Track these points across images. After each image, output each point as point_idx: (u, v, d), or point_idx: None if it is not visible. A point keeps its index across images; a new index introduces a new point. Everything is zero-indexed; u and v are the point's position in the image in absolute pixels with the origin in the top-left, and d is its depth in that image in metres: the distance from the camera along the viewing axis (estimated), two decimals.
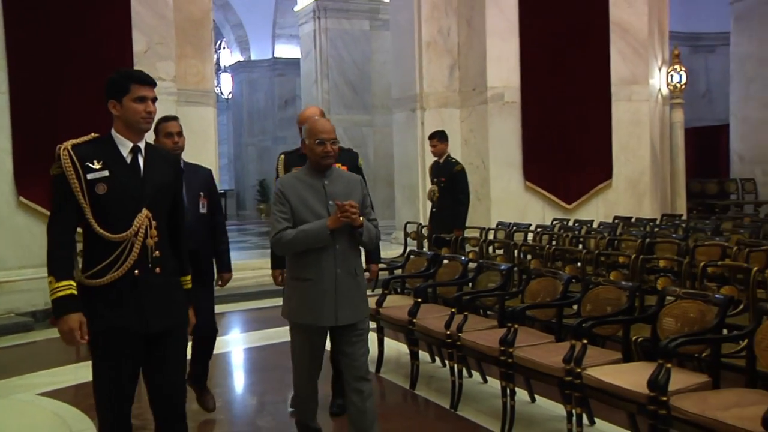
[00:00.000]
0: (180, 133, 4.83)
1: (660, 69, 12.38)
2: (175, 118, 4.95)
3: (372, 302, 6.32)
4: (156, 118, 3.46)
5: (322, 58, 15.85)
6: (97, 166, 3.13)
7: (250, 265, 10.40)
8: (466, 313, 5.34)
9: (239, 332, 8.54)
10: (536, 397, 5.11)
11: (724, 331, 4.20)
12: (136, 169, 3.24)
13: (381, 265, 7.62)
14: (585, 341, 4.16)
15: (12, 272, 8.37)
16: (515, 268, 6.04)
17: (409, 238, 10.35)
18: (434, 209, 8.99)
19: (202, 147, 9.48)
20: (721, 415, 3.34)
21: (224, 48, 22.63)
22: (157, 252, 3.22)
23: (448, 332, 5.18)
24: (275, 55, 20.37)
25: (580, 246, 7.73)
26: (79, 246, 3.24)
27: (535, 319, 5.38)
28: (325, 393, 4.94)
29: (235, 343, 7.74)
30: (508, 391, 4.55)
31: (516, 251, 7.89)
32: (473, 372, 5.80)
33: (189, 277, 3.49)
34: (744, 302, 5.28)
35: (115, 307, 3.14)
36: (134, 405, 3.31)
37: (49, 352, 7.09)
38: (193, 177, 4.85)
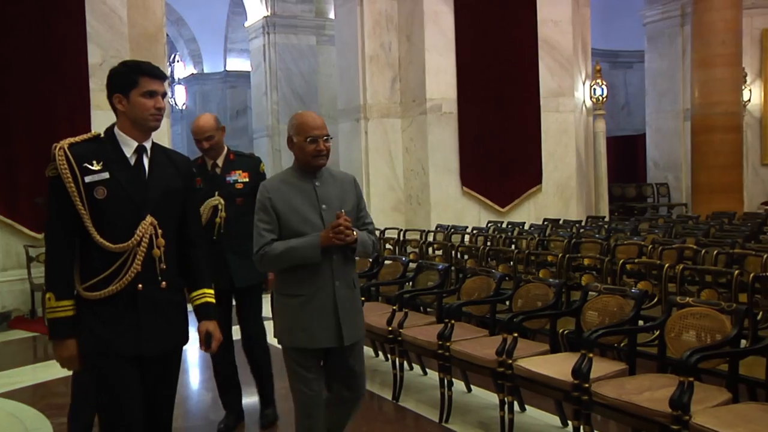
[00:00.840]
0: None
1: (584, 83, 12.57)
2: None
3: None
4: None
5: (271, 70, 15.77)
6: (96, 167, 2.66)
7: None
8: (406, 310, 5.35)
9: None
10: (472, 387, 5.15)
11: (640, 323, 4.28)
12: (140, 171, 2.76)
13: None
14: (516, 335, 4.21)
15: None
16: (452, 268, 6.08)
17: None
18: None
19: None
20: (636, 399, 3.43)
21: (178, 61, 22.30)
22: (163, 264, 2.73)
23: (390, 328, 5.18)
24: (227, 68, 20.21)
25: (513, 246, 7.80)
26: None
27: (470, 315, 5.42)
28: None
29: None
30: (445, 382, 4.56)
31: (453, 252, 7.94)
32: (414, 365, 5.83)
33: (209, 291, 2.97)
34: (657, 296, 5.42)
35: (110, 325, 2.67)
36: None
37: (5, 353, 6.82)
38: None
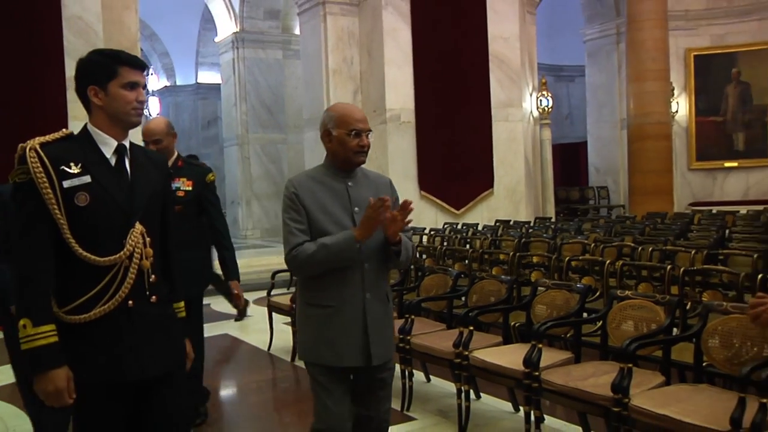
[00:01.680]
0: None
1: (531, 94, 12.65)
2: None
3: (287, 299, 6.28)
4: None
5: (240, 83, 15.67)
6: (75, 170, 2.17)
7: None
8: None
9: None
10: (431, 377, 5.16)
11: (584, 315, 4.34)
12: (123, 173, 2.28)
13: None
14: (471, 328, 4.23)
15: None
16: (412, 266, 6.09)
17: None
18: None
19: None
20: (581, 384, 3.49)
21: (152, 74, 21.99)
22: (153, 276, 2.29)
23: None
24: (198, 81, 20.03)
25: (467, 246, 7.82)
26: None
27: (429, 311, 5.41)
28: None
29: None
30: (407, 373, 4.56)
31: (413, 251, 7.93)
32: None
33: (183, 304, 2.52)
34: (599, 290, 5.48)
35: (104, 350, 2.18)
36: None
37: None
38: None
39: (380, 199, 2.56)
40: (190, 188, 4.11)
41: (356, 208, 2.74)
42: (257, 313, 8.03)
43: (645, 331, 3.77)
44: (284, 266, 7.80)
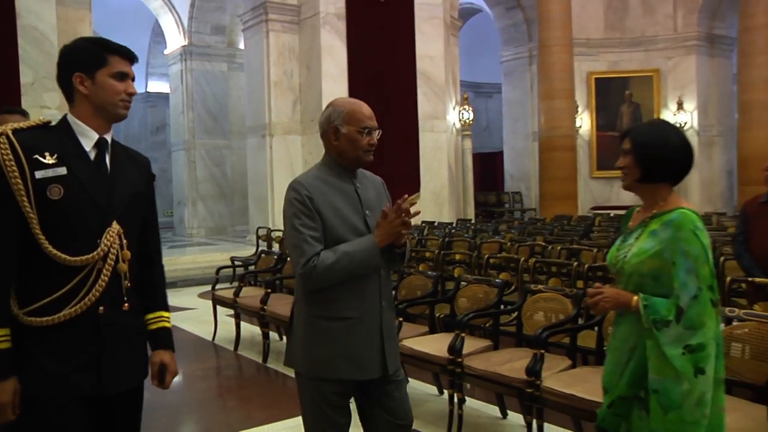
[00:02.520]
0: None
1: (454, 108, 12.76)
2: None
3: (230, 293, 6.23)
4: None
5: (188, 92, 15.38)
6: (50, 160, 1.83)
7: None
8: None
9: None
10: None
11: (502, 307, 4.38)
12: (102, 168, 1.94)
13: (237, 263, 7.50)
14: (401, 319, 4.25)
15: None
16: None
17: (260, 240, 10.21)
18: None
19: None
20: (499, 369, 3.53)
21: None
22: (127, 282, 1.95)
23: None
24: (148, 90, 19.48)
25: None
26: None
27: None
28: None
29: None
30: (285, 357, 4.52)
31: None
32: None
33: (167, 314, 2.15)
34: (515, 284, 5.58)
35: (63, 359, 1.83)
36: None
37: None
38: None
39: (399, 205, 2.25)
40: None
41: (367, 211, 2.35)
42: (202, 306, 7.86)
43: (555, 321, 3.85)
44: (227, 262, 7.72)
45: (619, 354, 2.19)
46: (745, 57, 12.64)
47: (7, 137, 1.81)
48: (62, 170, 1.85)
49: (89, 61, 1.93)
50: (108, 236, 1.90)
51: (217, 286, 6.75)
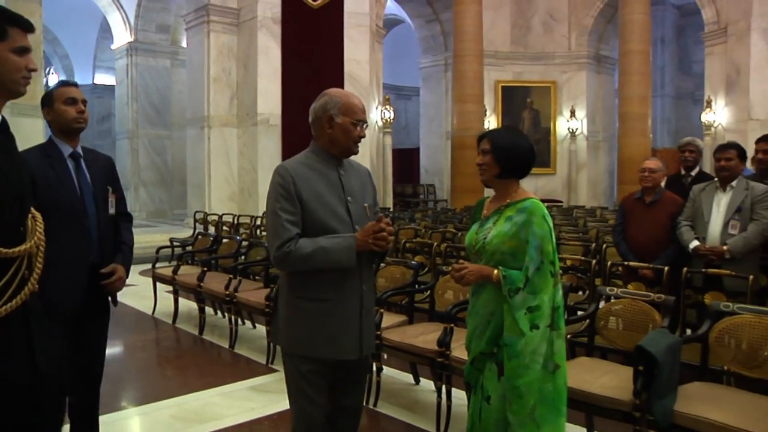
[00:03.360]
0: (86, 103, 2.68)
1: (377, 108, 12.80)
2: (76, 85, 2.74)
3: (169, 271, 6.07)
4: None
5: (132, 85, 14.85)
6: None
7: None
8: (240, 278, 5.26)
9: None
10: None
11: (417, 286, 4.45)
12: (11, 151, 1.65)
13: (176, 243, 7.31)
14: None
15: None
16: None
17: (197, 223, 9.97)
18: None
19: None
20: (414, 341, 3.59)
21: (53, 73, 20.11)
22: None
23: (227, 292, 5.08)
24: (95, 82, 18.61)
25: None
26: None
27: None
28: None
29: None
30: (271, 334, 4.50)
31: None
32: (246, 321, 5.74)
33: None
34: (428, 266, 5.64)
35: (4, 358, 1.56)
36: None
37: None
38: (95, 166, 2.68)
39: (386, 223, 2.13)
40: None
41: (349, 198, 2.23)
42: (143, 283, 7.61)
43: (462, 299, 3.91)
44: (166, 243, 7.51)
45: (480, 318, 2.37)
46: (625, 75, 13.27)
47: None
48: None
49: None
50: (33, 224, 1.64)
51: (157, 265, 6.58)
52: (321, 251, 2.09)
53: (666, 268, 4.02)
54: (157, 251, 6.85)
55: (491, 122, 15.78)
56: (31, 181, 2.00)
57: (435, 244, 5.75)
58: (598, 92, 16.26)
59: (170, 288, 6.08)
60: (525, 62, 15.93)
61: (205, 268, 5.67)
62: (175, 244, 7.30)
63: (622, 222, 4.61)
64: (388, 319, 3.94)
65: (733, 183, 4.09)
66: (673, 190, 4.73)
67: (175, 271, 5.96)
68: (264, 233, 8.15)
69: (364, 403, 2.53)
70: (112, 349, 4.53)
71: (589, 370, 3.00)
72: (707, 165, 9.17)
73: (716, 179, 4.22)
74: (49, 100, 2.67)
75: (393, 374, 4.27)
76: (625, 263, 4.35)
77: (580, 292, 4.79)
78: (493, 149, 2.33)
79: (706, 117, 13.31)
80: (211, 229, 9.22)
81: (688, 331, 3.85)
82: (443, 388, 3.39)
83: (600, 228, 7.11)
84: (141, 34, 14.98)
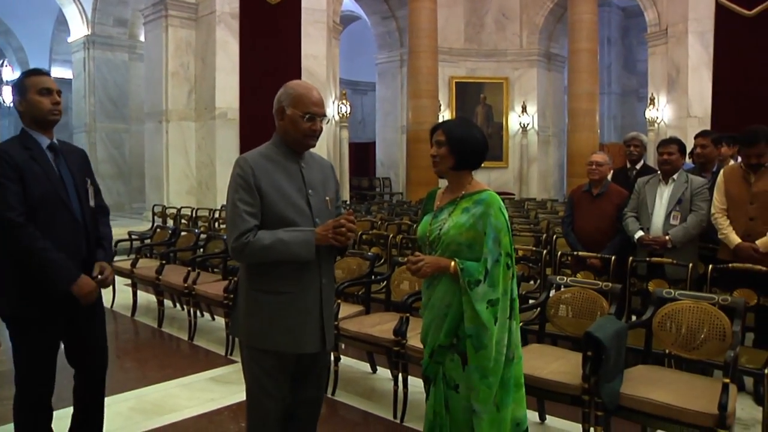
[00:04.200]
0: (60, 93, 2.56)
1: (334, 102, 12.72)
2: (48, 73, 2.65)
3: (127, 264, 5.92)
4: None
5: (90, 79, 14.34)
6: None
7: None
8: (198, 270, 5.18)
9: None
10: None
11: (373, 277, 4.46)
12: None
13: (134, 237, 7.11)
14: None
15: None
16: None
17: (156, 216, 9.74)
18: None
19: None
20: (371, 330, 3.59)
21: (7, 66, 19.25)
22: None
23: (186, 285, 4.98)
24: (52, 75, 17.95)
25: None
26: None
27: None
28: None
29: None
30: (229, 326, 4.44)
31: None
32: (205, 313, 5.64)
33: None
34: (384, 257, 5.66)
35: None
36: None
37: None
38: (72, 158, 2.59)
39: (346, 216, 2.12)
40: None
41: (310, 191, 2.19)
42: None
43: (418, 289, 3.93)
44: (125, 236, 7.29)
45: (436, 311, 2.32)
46: (573, 73, 13.54)
47: None
48: None
49: None
50: None
51: (116, 258, 6.36)
52: (280, 243, 2.05)
53: (613, 258, 4.11)
54: (116, 245, 6.62)
55: (445, 117, 15.85)
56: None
57: (391, 235, 5.76)
58: (549, 89, 16.54)
59: (129, 281, 5.93)
60: (478, 59, 16.08)
61: (164, 261, 5.56)
62: (133, 237, 7.12)
63: (571, 214, 4.69)
64: (345, 310, 3.93)
65: (675, 176, 4.22)
66: (619, 182, 4.83)
67: (133, 264, 5.84)
68: (223, 226, 8.04)
69: None
70: None
71: (540, 357, 3.05)
72: (651, 159, 9.43)
73: (659, 172, 4.33)
74: (21, 89, 2.47)
75: (350, 363, 4.26)
76: (575, 253, 4.43)
77: (532, 282, 4.87)
78: (448, 141, 2.28)
79: (649, 114, 13.69)
80: (170, 223, 9.03)
81: (634, 318, 3.95)
82: (399, 376, 3.40)
83: (550, 219, 7.23)
84: (98, 27, 14.50)
